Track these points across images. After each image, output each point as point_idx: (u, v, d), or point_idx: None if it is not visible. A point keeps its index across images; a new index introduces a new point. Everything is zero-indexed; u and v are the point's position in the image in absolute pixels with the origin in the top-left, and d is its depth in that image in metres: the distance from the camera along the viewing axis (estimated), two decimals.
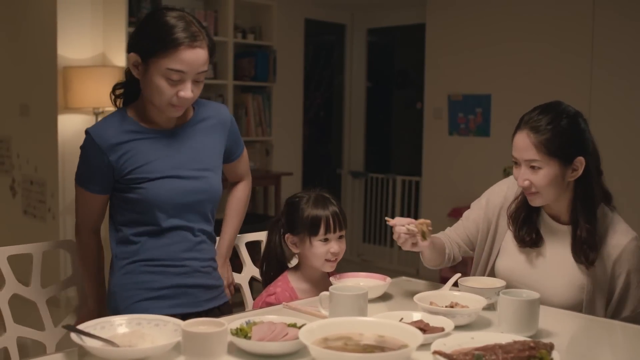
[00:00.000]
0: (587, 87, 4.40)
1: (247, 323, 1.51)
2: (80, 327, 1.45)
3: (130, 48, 1.76)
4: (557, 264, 1.92)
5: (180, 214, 1.81)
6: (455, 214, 4.85)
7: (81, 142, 1.81)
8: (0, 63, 4.97)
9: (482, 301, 1.69)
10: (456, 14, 5.14)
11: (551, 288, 1.88)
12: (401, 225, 1.83)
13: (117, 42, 4.39)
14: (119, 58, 4.37)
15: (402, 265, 5.64)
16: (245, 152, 2.09)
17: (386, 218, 1.90)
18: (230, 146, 1.97)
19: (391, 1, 5.75)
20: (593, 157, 1.88)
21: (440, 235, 2.10)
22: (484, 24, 4.95)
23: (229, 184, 2.12)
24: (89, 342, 1.40)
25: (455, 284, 1.88)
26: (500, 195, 2.06)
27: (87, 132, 1.79)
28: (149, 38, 1.71)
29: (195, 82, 1.74)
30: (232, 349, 1.43)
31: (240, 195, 2.11)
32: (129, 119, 1.80)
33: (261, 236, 2.28)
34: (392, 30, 6.39)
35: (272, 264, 2.07)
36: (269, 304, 1.96)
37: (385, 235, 6.01)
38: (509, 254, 2.01)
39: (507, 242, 2.02)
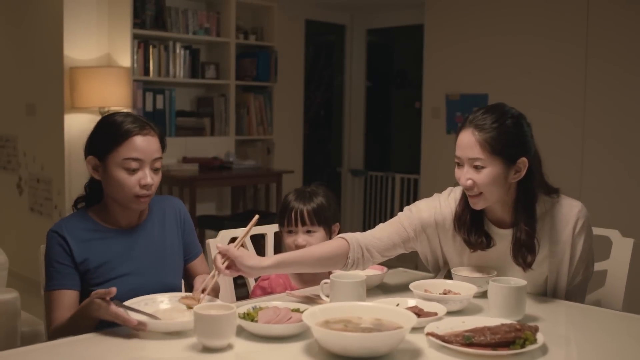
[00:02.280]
0: (582, 87, 4.49)
1: (254, 308, 1.62)
2: (127, 303, 1.61)
3: (87, 154, 1.84)
4: (512, 268, 1.92)
5: None
6: None
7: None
8: (7, 64, 5.08)
9: (473, 288, 1.79)
10: (454, 15, 5.23)
11: None
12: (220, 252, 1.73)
13: (122, 43, 4.48)
14: (124, 59, 4.47)
15: (401, 262, 5.69)
16: (202, 255, 2.05)
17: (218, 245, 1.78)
18: (187, 242, 1.99)
19: (390, 2, 5.83)
20: (535, 159, 1.87)
21: (355, 236, 1.95)
22: (481, 25, 5.04)
23: None
24: (134, 316, 1.56)
25: (449, 275, 1.99)
26: (449, 213, 1.99)
27: (48, 232, 1.82)
28: (102, 138, 1.81)
29: (152, 169, 1.80)
30: (240, 331, 1.54)
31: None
32: (90, 219, 1.85)
33: (265, 229, 2.38)
34: (391, 31, 6.48)
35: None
36: (262, 288, 2.10)
37: None
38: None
39: (460, 269, 1.98)
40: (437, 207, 2.01)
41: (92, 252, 1.80)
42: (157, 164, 1.82)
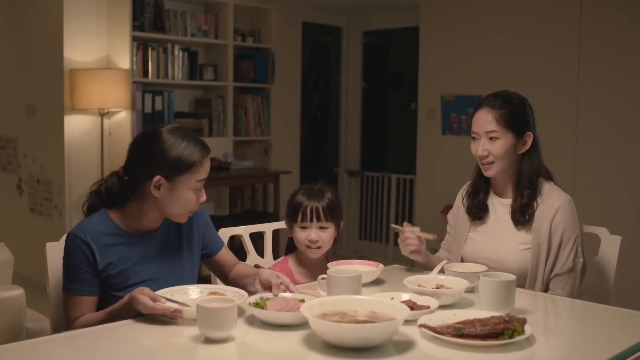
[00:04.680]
0: (575, 89, 4.55)
1: (261, 299, 1.72)
2: (158, 293, 1.70)
3: (149, 172, 1.82)
4: (504, 233, 2.17)
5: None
6: (448, 211, 5.00)
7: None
8: (8, 65, 5.12)
9: (465, 283, 1.86)
10: (449, 17, 5.29)
11: (503, 255, 2.14)
12: (410, 231, 2.14)
13: (121, 45, 4.53)
14: (124, 61, 4.52)
15: (397, 261, 5.75)
16: (226, 245, 2.14)
17: (393, 225, 2.24)
18: (208, 236, 2.06)
19: (386, 4, 5.88)
20: (535, 137, 2.17)
21: (439, 254, 2.38)
22: (476, 27, 5.10)
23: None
24: (167, 304, 1.66)
25: (442, 270, 2.05)
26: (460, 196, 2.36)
27: (69, 234, 1.83)
28: (169, 161, 1.81)
29: None
30: (242, 324, 1.60)
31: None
32: (111, 222, 1.86)
33: (264, 227, 2.45)
34: (387, 33, 6.53)
35: (290, 248, 2.28)
36: None
37: (380, 232, 6.16)
38: (470, 239, 2.26)
39: (473, 231, 2.27)
40: (459, 196, 2.37)
41: (114, 257, 1.83)
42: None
